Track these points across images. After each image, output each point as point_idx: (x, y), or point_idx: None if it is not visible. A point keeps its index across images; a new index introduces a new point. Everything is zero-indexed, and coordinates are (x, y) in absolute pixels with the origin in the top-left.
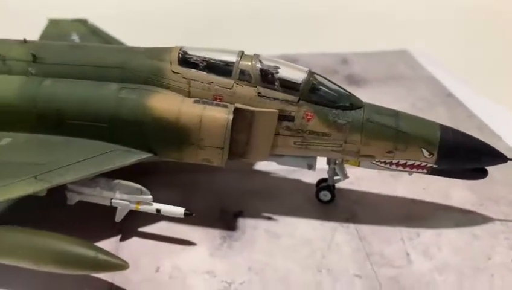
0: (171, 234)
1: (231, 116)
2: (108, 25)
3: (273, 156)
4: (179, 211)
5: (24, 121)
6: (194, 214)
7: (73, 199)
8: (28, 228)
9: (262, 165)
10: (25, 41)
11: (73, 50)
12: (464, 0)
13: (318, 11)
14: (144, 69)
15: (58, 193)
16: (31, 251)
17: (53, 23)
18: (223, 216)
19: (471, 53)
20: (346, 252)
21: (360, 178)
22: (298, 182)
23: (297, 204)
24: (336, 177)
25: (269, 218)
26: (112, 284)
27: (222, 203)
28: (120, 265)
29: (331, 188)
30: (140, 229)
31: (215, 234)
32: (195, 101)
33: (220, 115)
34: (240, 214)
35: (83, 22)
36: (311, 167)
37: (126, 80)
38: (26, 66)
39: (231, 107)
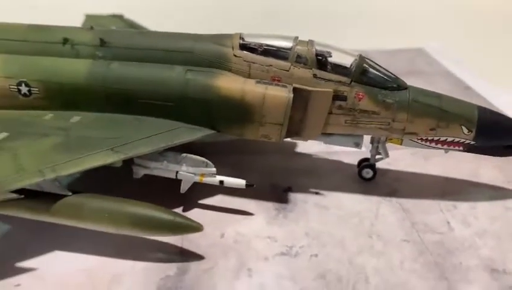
0: (229, 206)
1: (291, 95)
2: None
3: (322, 135)
4: (241, 182)
5: (93, 100)
6: (254, 185)
7: (139, 172)
8: (107, 196)
9: (303, 148)
10: (91, 28)
11: (138, 36)
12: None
13: (343, 10)
14: (209, 53)
15: (122, 167)
16: (112, 215)
17: (90, 18)
18: (273, 191)
19: (483, 50)
20: (392, 221)
21: (395, 159)
22: (338, 162)
23: (340, 181)
24: (378, 157)
25: (316, 193)
26: (181, 248)
27: (271, 180)
28: (196, 227)
29: (373, 167)
30: (200, 202)
31: (269, 206)
32: (257, 82)
33: (281, 93)
34: (289, 189)
35: (119, 17)
36: (358, 145)
37: (191, 63)
38: (94, 50)
39: (290, 87)
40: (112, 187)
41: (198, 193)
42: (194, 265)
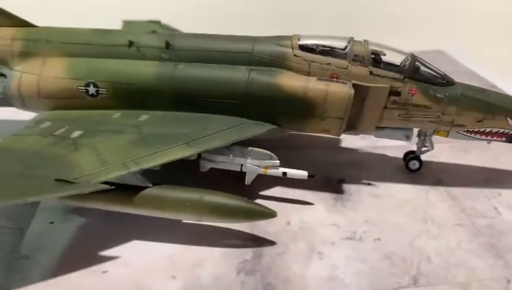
0: (289, 197)
1: (352, 91)
2: None
3: (375, 129)
4: (303, 173)
5: (160, 100)
6: (316, 176)
7: (206, 166)
8: (185, 186)
9: (347, 143)
10: (154, 31)
11: (200, 38)
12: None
13: (363, 13)
14: (269, 53)
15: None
16: (193, 205)
17: (128, 24)
18: (328, 183)
19: (501, 51)
20: (443, 207)
21: (436, 152)
22: (383, 156)
23: (388, 173)
24: (423, 149)
25: (369, 184)
26: (252, 235)
27: (324, 172)
28: (270, 213)
29: (419, 158)
30: (262, 193)
31: (326, 196)
32: (318, 79)
33: (343, 89)
34: (342, 181)
35: (157, 23)
36: (408, 137)
37: (252, 63)
38: (159, 52)
39: (349, 83)
40: (179, 180)
41: (258, 184)
42: (267, 250)
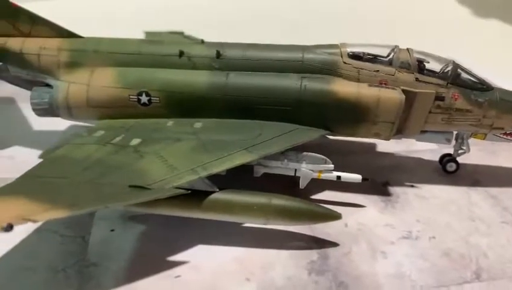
0: (340, 200)
1: (403, 96)
2: None
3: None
4: (357, 177)
5: (212, 108)
6: (369, 179)
7: (259, 171)
8: (249, 190)
9: (383, 148)
10: (202, 41)
11: (249, 48)
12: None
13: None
14: (320, 61)
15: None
16: (261, 208)
17: (150, 35)
18: (374, 186)
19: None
20: (486, 207)
21: (468, 155)
22: (419, 159)
23: (427, 175)
24: (460, 151)
25: (411, 186)
26: (314, 237)
27: (368, 176)
28: (335, 215)
29: (456, 160)
30: (314, 197)
31: (375, 198)
32: (369, 85)
33: (394, 95)
34: (387, 184)
35: (180, 33)
36: (449, 141)
37: (303, 71)
38: (210, 62)
39: (399, 89)
40: (232, 185)
41: (307, 188)
42: (331, 251)
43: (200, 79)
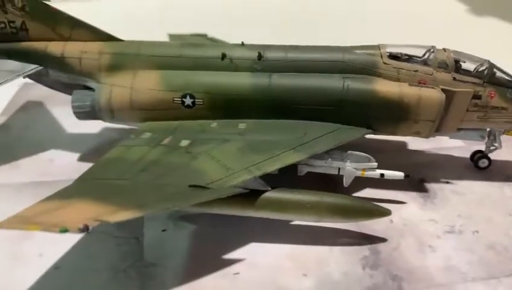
0: (382, 197)
1: (444, 95)
2: None
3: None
4: (400, 174)
5: (256, 109)
6: (410, 176)
7: (303, 170)
8: (300, 189)
9: (414, 146)
10: (242, 44)
11: (290, 49)
12: None
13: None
14: (360, 62)
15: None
16: (314, 206)
17: (174, 38)
18: (410, 183)
19: None
20: None
21: (498, 151)
22: (450, 156)
23: (459, 171)
24: (492, 148)
25: (447, 182)
26: (362, 233)
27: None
28: (385, 211)
29: (488, 157)
30: (355, 195)
31: (414, 195)
32: (410, 85)
33: (435, 94)
34: (423, 180)
35: (204, 36)
36: (483, 138)
37: (344, 71)
38: (252, 64)
39: (438, 88)
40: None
41: (347, 186)
42: (381, 246)
43: (243, 81)
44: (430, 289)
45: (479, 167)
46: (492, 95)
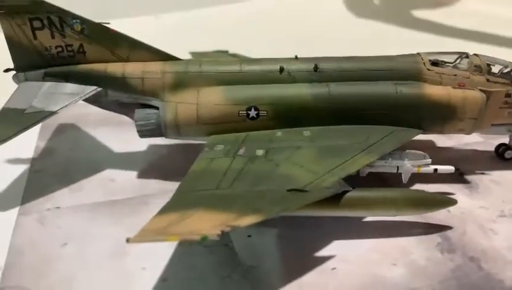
0: (431, 190)
1: (484, 95)
2: None
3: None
4: (451, 168)
5: (317, 116)
6: (460, 169)
7: (365, 171)
8: (378, 187)
9: (440, 144)
10: (296, 57)
11: (342, 60)
12: None
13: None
14: (408, 69)
15: None
16: (394, 201)
17: (196, 55)
18: (452, 176)
19: None
20: None
21: None
22: (476, 150)
23: (488, 163)
24: None
25: (482, 173)
26: (428, 223)
27: None
28: (453, 201)
29: None
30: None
31: (459, 187)
32: (453, 87)
33: (477, 94)
34: (462, 174)
35: (225, 52)
36: (510, 131)
37: (393, 78)
38: (309, 75)
39: (477, 89)
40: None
41: (396, 183)
42: (449, 233)
43: (304, 91)
44: (507, 266)
45: (505, 158)
46: None
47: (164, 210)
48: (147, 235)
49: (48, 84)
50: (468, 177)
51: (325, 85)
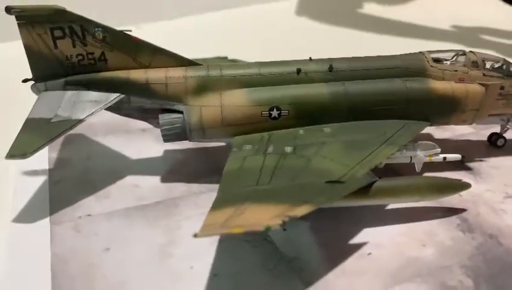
0: None
1: (483, 88)
2: None
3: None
4: (458, 156)
5: (335, 113)
6: (464, 157)
7: (383, 163)
8: (400, 176)
9: (437, 136)
10: (310, 59)
11: (353, 60)
12: None
13: None
14: (415, 67)
15: None
16: (418, 187)
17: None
18: (455, 164)
19: None
20: None
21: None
22: (469, 141)
23: (484, 151)
24: (505, 129)
25: (481, 160)
26: (444, 207)
27: None
28: (466, 185)
29: (504, 136)
30: None
31: (463, 173)
32: (456, 82)
33: (477, 87)
34: (463, 161)
35: (225, 58)
36: (503, 120)
37: (401, 75)
38: (325, 75)
39: (476, 83)
40: None
41: (404, 172)
42: (465, 215)
43: (322, 90)
44: None
45: (498, 145)
46: None
47: (216, 207)
48: (211, 229)
49: (70, 93)
50: (470, 165)
51: (341, 84)
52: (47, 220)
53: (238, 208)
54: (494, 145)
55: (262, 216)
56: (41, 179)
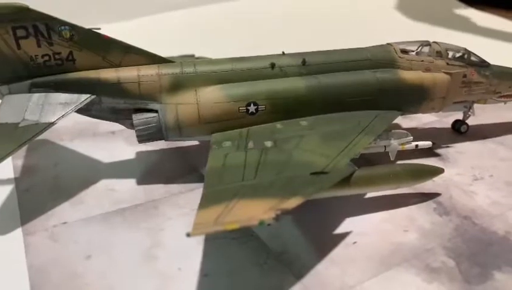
0: None
1: (449, 76)
2: None
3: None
4: (429, 143)
5: (311, 106)
6: (435, 143)
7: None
8: (379, 165)
9: (405, 125)
10: (283, 53)
11: (325, 54)
12: None
13: None
14: (383, 58)
15: None
16: (396, 175)
17: None
18: (424, 151)
19: None
20: (501, 151)
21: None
22: (435, 128)
23: (449, 137)
24: (467, 115)
25: (447, 146)
26: (418, 193)
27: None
28: (441, 169)
29: (466, 123)
30: None
31: (433, 159)
32: (423, 71)
33: (443, 76)
34: (431, 149)
35: (192, 56)
36: (466, 107)
37: (371, 67)
38: (298, 69)
39: (441, 72)
40: None
41: (378, 161)
42: (440, 198)
43: (297, 84)
44: (494, 220)
45: (461, 131)
46: (473, 74)
47: (204, 205)
48: (203, 227)
49: (37, 96)
50: (438, 151)
51: (315, 77)
52: (19, 230)
53: (227, 205)
54: (458, 132)
55: (254, 211)
56: (7, 189)
